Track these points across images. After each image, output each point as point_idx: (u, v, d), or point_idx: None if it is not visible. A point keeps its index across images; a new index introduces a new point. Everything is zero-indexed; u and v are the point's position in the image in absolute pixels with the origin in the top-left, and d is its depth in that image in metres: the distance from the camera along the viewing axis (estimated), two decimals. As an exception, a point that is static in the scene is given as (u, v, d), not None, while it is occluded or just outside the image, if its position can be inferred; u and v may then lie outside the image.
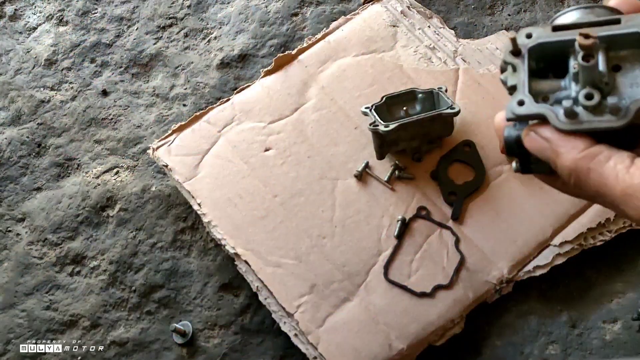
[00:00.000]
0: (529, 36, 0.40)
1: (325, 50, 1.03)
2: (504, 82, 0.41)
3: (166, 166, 0.94)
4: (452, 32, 1.05)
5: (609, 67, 0.38)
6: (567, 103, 0.37)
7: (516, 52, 0.40)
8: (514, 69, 0.40)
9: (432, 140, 0.92)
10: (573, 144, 0.38)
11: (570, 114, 0.37)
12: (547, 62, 0.41)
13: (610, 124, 0.36)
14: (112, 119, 1.07)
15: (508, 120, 0.40)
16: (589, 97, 0.36)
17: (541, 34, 0.40)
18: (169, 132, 0.98)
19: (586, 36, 0.36)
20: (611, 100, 0.36)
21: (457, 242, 0.86)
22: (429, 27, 1.04)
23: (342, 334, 0.81)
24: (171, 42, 1.14)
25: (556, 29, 0.40)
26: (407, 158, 0.92)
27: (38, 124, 1.08)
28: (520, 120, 0.40)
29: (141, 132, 1.05)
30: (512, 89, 0.40)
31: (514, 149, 0.42)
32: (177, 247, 0.95)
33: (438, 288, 0.83)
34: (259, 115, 0.98)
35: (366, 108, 0.90)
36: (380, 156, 0.90)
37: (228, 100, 1.00)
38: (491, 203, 0.89)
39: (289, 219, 0.89)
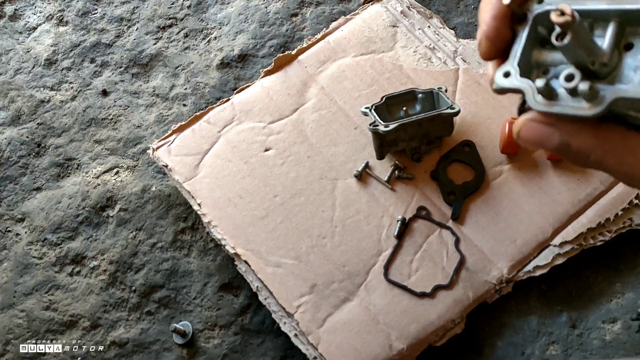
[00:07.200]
0: (540, 1, 0.37)
1: (325, 50, 1.03)
2: None
3: (166, 166, 0.94)
4: (452, 32, 1.05)
5: (619, 46, 0.34)
6: (540, 82, 0.34)
7: (522, 17, 0.37)
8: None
9: (432, 141, 0.92)
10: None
11: (547, 94, 0.34)
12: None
13: (582, 112, 0.33)
14: (112, 119, 1.07)
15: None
16: (568, 78, 0.33)
17: (552, 0, 0.36)
18: (169, 132, 0.98)
19: (561, 13, 0.32)
20: (583, 86, 0.32)
21: (457, 242, 0.86)
22: (428, 27, 1.05)
23: (343, 334, 0.81)
24: (171, 42, 1.14)
25: None
26: (406, 158, 0.93)
27: (38, 123, 1.08)
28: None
29: (141, 132, 1.05)
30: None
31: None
32: (177, 247, 0.95)
33: (438, 288, 0.83)
34: (259, 116, 0.98)
35: (366, 108, 0.91)
36: (380, 156, 0.91)
37: (228, 100, 1.00)
38: (491, 203, 0.89)
39: (289, 219, 0.89)
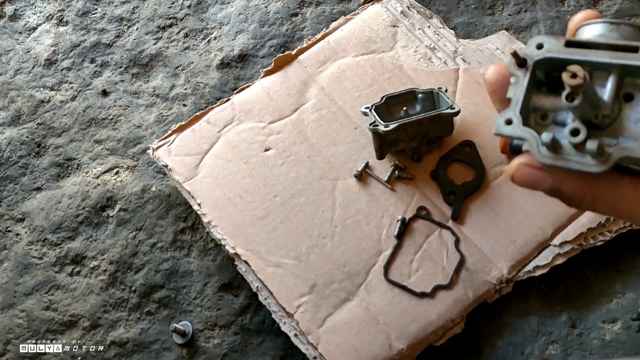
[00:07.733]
0: (539, 47, 0.36)
1: (325, 50, 1.03)
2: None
3: (166, 166, 0.94)
4: (452, 32, 1.05)
5: (619, 96, 0.34)
6: (547, 137, 0.33)
7: (521, 62, 0.37)
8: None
9: (432, 141, 0.92)
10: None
11: (553, 147, 0.34)
12: (555, 77, 0.37)
13: (588, 168, 0.33)
14: (112, 119, 1.07)
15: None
16: (574, 133, 0.33)
17: (552, 47, 0.36)
18: (169, 132, 0.98)
19: (573, 75, 0.32)
20: (591, 145, 0.32)
21: (457, 242, 0.86)
22: (429, 27, 1.05)
23: (342, 334, 0.81)
24: (171, 42, 1.14)
25: (569, 44, 0.36)
26: (406, 158, 0.93)
27: (38, 124, 1.08)
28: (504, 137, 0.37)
29: (141, 132, 1.05)
30: (509, 102, 0.37)
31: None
32: (177, 247, 0.95)
33: (438, 288, 0.83)
34: (259, 116, 0.98)
35: (366, 108, 0.91)
36: (380, 156, 0.91)
37: (228, 100, 1.00)
38: (491, 203, 0.89)
39: (289, 219, 0.89)
